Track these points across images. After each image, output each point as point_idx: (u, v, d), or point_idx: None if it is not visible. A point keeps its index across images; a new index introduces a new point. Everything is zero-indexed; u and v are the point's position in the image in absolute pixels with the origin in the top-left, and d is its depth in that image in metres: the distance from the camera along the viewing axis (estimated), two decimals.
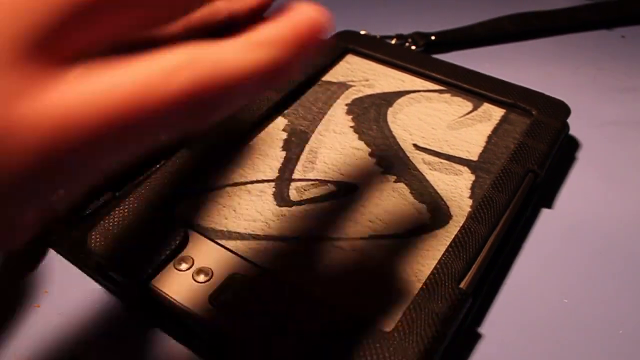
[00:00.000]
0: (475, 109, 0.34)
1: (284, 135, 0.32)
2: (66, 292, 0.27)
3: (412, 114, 0.33)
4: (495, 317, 0.26)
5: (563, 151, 0.34)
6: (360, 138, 0.32)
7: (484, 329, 0.25)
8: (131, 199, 0.27)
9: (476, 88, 0.34)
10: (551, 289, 0.27)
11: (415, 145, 0.31)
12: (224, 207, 0.28)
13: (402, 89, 0.35)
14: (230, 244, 0.26)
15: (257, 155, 0.31)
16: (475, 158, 0.30)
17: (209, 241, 0.26)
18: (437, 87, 0.35)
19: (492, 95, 0.34)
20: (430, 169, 0.30)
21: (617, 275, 0.27)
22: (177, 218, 0.26)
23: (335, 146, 0.31)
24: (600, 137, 0.35)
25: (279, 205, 0.28)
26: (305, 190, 0.29)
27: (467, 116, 0.33)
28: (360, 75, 0.36)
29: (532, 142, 0.30)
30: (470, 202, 0.28)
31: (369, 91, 0.35)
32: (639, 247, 0.29)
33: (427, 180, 0.29)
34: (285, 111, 0.34)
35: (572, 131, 0.35)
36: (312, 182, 0.29)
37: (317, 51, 0.14)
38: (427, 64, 0.36)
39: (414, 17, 0.47)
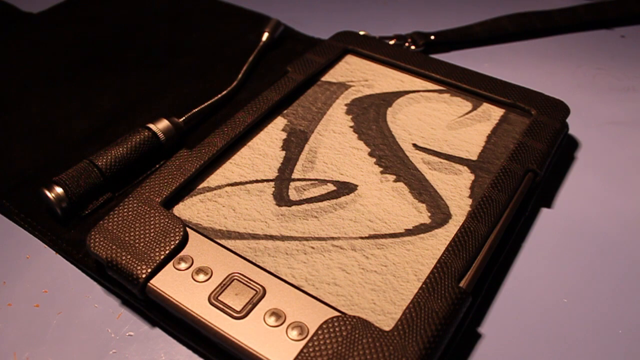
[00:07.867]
0: (474, 108, 0.34)
1: (284, 135, 0.32)
2: (66, 292, 0.27)
3: (411, 114, 0.33)
4: (495, 317, 0.26)
5: (563, 151, 0.34)
6: (359, 138, 0.32)
7: (484, 329, 0.25)
8: (131, 199, 0.27)
9: (475, 88, 0.34)
10: (551, 288, 0.27)
11: (414, 145, 0.31)
12: (224, 206, 0.28)
13: (401, 89, 0.35)
14: (229, 243, 0.26)
15: (256, 155, 0.31)
16: (474, 158, 0.30)
17: (208, 241, 0.26)
18: (436, 87, 0.35)
19: (491, 95, 0.34)
20: (429, 169, 0.30)
21: (616, 275, 0.27)
22: (177, 218, 0.26)
23: (334, 146, 0.31)
24: (600, 137, 0.35)
25: (279, 205, 0.28)
26: (304, 189, 0.29)
27: (467, 116, 0.33)
28: (359, 75, 0.36)
29: (532, 142, 0.30)
30: (469, 201, 0.28)
31: (368, 91, 0.35)
32: (638, 247, 0.29)
33: (426, 180, 0.29)
34: (285, 111, 0.34)
35: (572, 131, 0.35)
36: (312, 182, 0.29)
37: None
38: (427, 64, 0.36)
39: (413, 17, 0.47)
